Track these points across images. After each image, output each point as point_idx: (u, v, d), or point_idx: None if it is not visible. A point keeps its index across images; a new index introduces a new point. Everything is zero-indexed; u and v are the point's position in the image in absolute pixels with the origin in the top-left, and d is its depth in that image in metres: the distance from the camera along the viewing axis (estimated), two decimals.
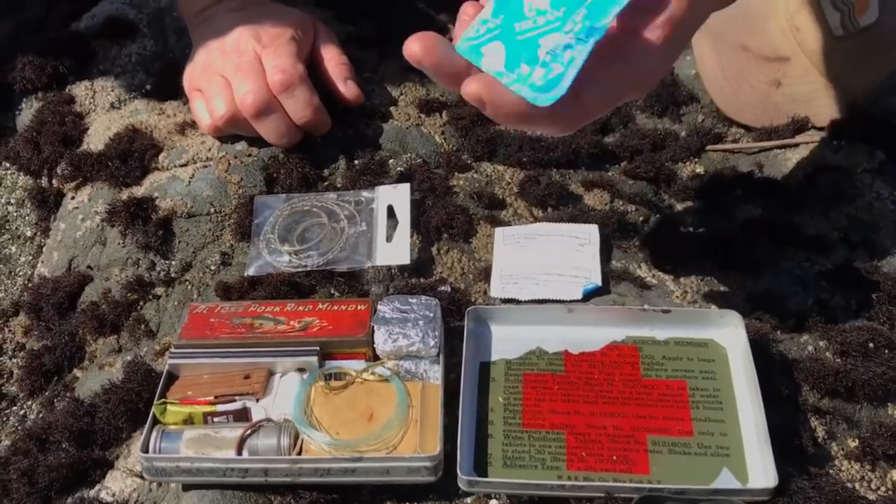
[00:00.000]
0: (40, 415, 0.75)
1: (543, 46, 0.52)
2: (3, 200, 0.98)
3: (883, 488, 0.64)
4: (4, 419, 0.80)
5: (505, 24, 0.53)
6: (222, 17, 0.88)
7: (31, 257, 0.93)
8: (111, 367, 0.74)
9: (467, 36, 0.53)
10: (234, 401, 0.61)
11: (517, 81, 0.51)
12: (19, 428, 0.78)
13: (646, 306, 0.68)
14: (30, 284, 0.85)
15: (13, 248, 0.94)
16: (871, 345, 0.71)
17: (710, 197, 0.85)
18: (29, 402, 0.80)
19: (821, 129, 0.92)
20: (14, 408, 0.81)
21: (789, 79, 0.93)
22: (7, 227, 0.96)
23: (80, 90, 0.97)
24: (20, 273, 0.92)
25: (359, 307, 0.67)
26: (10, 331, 0.87)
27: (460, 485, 0.58)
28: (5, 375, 0.84)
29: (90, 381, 0.73)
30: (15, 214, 0.96)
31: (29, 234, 0.94)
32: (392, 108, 0.90)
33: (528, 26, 0.53)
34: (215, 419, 0.61)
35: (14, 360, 0.84)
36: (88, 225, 0.83)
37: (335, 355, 0.65)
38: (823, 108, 0.92)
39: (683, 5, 0.56)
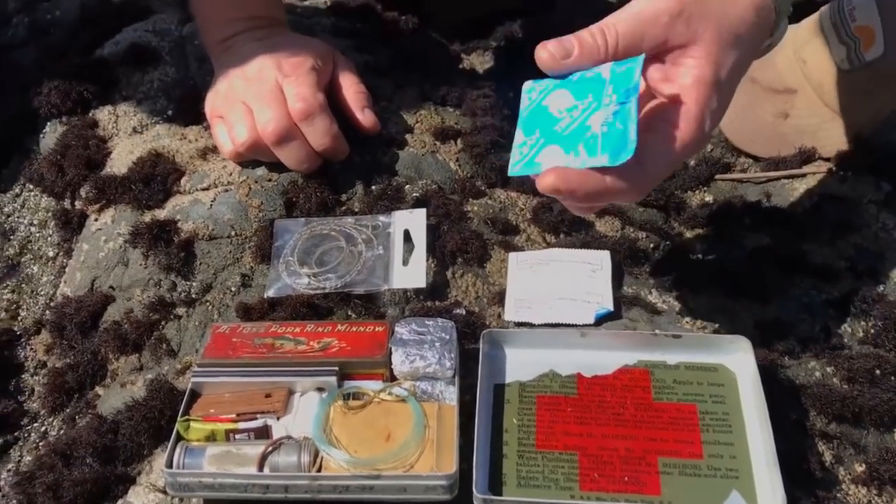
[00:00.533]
0: (62, 431, 0.76)
1: (594, 125, 0.57)
2: (26, 221, 1.00)
3: None
4: (26, 436, 0.82)
5: (544, 133, 0.59)
6: (244, 46, 0.90)
7: (52, 277, 0.94)
8: (133, 385, 0.76)
9: (514, 161, 0.59)
10: (256, 419, 0.63)
11: (590, 157, 0.56)
12: (40, 444, 0.80)
13: (657, 331, 0.70)
14: (52, 304, 0.87)
15: (35, 268, 0.96)
16: (877, 371, 0.72)
17: (718, 225, 0.87)
18: (50, 420, 0.82)
19: (827, 160, 0.94)
20: (35, 424, 0.83)
21: (797, 110, 0.96)
22: (29, 247, 0.98)
23: (103, 115, 1.00)
24: (42, 292, 0.94)
25: (376, 329, 0.69)
26: (31, 349, 0.89)
27: (475, 503, 0.60)
28: (27, 393, 0.85)
29: (112, 399, 0.75)
30: (37, 235, 0.98)
31: (51, 254, 0.96)
32: (408, 136, 0.92)
33: (566, 123, 0.59)
34: (237, 436, 0.63)
35: (36, 378, 0.86)
36: (111, 246, 0.85)
37: (353, 375, 0.67)
38: (830, 139, 0.94)
39: (708, 66, 0.60)
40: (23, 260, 0.97)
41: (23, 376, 0.86)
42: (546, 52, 0.61)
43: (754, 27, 0.63)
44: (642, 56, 0.60)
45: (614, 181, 0.58)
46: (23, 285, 0.95)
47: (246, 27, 0.91)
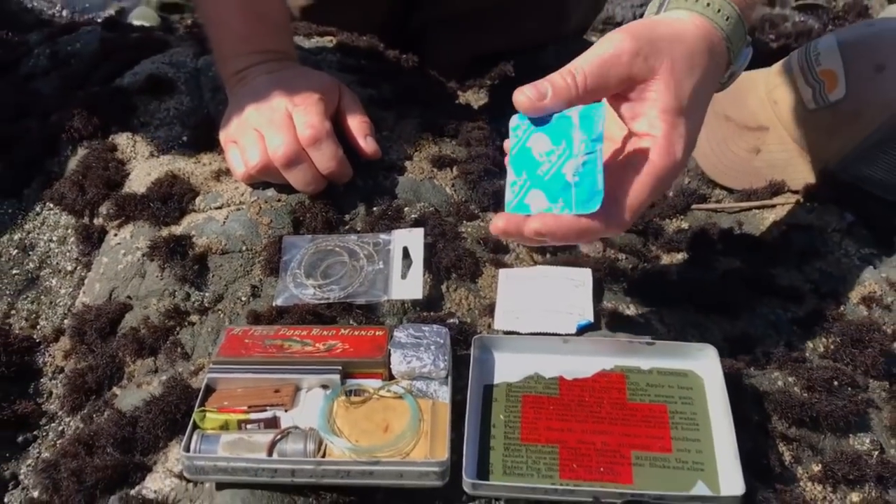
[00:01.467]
0: (80, 428, 0.82)
1: (567, 174, 0.66)
2: (45, 238, 1.05)
3: None
4: (44, 434, 0.87)
5: (530, 176, 0.68)
6: (257, 78, 0.97)
7: (71, 289, 1.00)
8: (148, 385, 0.81)
9: (509, 200, 0.69)
10: (265, 411, 0.69)
11: (565, 207, 0.66)
12: (58, 442, 0.85)
13: (632, 339, 0.77)
14: (73, 311, 0.93)
15: (54, 281, 1.02)
16: (835, 382, 0.79)
17: (693, 249, 0.94)
18: (67, 420, 0.87)
19: (796, 192, 1.02)
20: (52, 424, 0.88)
21: (768, 146, 1.03)
22: (48, 261, 1.04)
23: (122, 140, 1.06)
24: (60, 304, 1.00)
25: (377, 333, 0.75)
26: (50, 355, 0.94)
27: (465, 488, 0.66)
28: (45, 395, 0.91)
29: (129, 398, 0.80)
30: (56, 251, 1.04)
31: (69, 268, 1.02)
32: (407, 163, 0.99)
33: (546, 168, 0.68)
34: (248, 426, 0.69)
35: (53, 382, 0.92)
36: (129, 259, 0.92)
37: (355, 374, 0.73)
38: (798, 173, 1.02)
39: (668, 94, 0.68)
40: (41, 273, 1.03)
41: (41, 380, 0.92)
42: (524, 97, 0.69)
43: (707, 58, 0.71)
44: (604, 103, 0.67)
45: (590, 224, 0.66)
46: (42, 297, 1.01)
47: (259, 60, 0.98)
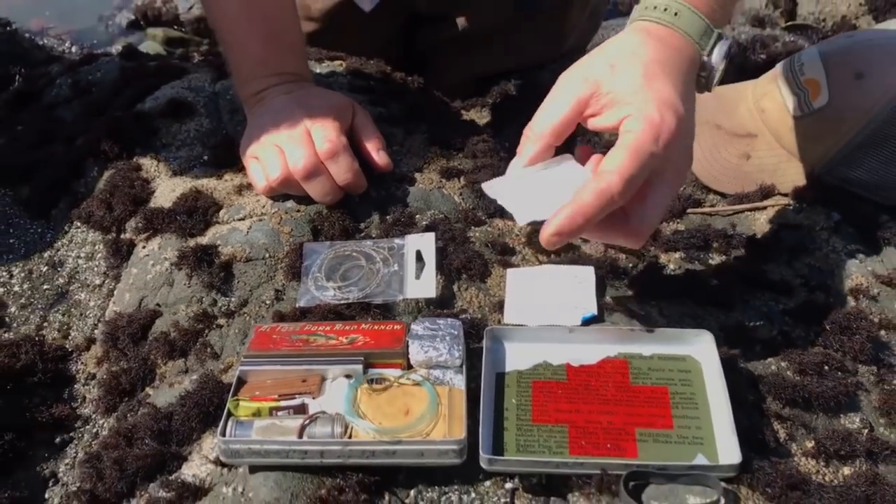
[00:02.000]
0: (118, 423, 0.87)
1: None
2: (73, 255, 1.11)
3: (835, 481, 0.76)
4: (80, 436, 0.92)
5: None
6: (275, 98, 1.04)
7: (100, 301, 1.06)
8: (180, 384, 0.87)
9: None
10: (294, 399, 0.75)
11: None
12: (93, 443, 0.91)
13: (633, 327, 0.82)
14: (106, 318, 0.98)
15: (83, 295, 1.07)
16: (825, 367, 0.84)
17: (689, 248, 0.99)
18: (102, 421, 0.92)
19: (785, 195, 1.07)
20: (87, 426, 0.93)
21: (757, 152, 1.09)
22: (77, 277, 1.09)
23: (146, 160, 1.13)
24: (90, 315, 1.05)
25: (395, 327, 0.81)
26: (83, 363, 0.99)
27: (481, 464, 0.71)
28: (79, 400, 0.96)
29: (162, 396, 0.86)
30: (84, 266, 1.10)
31: (97, 282, 1.07)
32: (417, 174, 1.05)
33: None
34: (279, 413, 0.74)
35: (87, 387, 0.97)
36: (158, 269, 0.97)
37: (376, 364, 0.78)
38: (787, 176, 1.08)
39: (621, 84, 0.75)
40: (71, 288, 1.08)
41: (75, 386, 0.97)
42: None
43: (652, 43, 0.78)
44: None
45: (591, 197, 0.72)
46: (72, 309, 1.06)
47: (277, 82, 1.05)
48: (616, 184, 0.71)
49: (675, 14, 0.80)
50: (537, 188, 0.78)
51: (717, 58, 0.81)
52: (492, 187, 0.78)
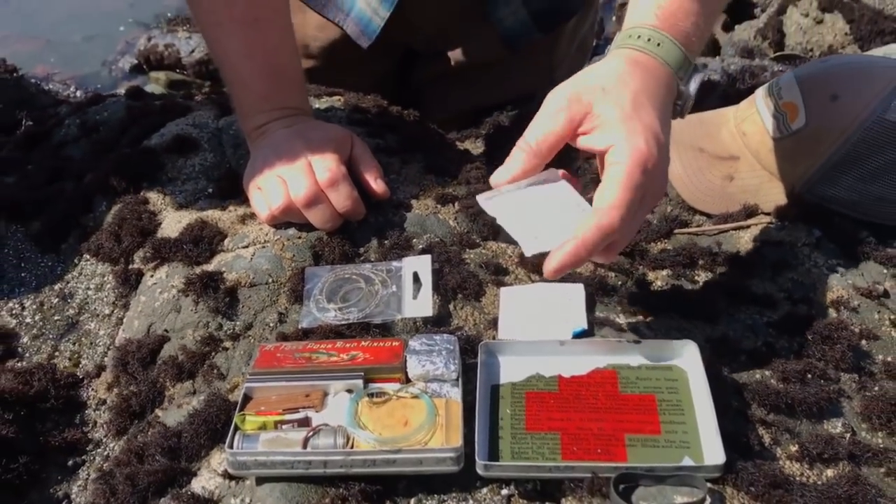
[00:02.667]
0: (129, 442, 0.90)
1: None
2: (83, 286, 1.15)
3: (819, 482, 0.79)
4: (92, 459, 0.96)
5: None
6: (277, 131, 1.09)
7: (109, 330, 1.09)
8: (188, 405, 0.90)
9: None
10: (298, 412, 0.78)
11: None
12: (104, 465, 0.94)
13: (621, 339, 0.86)
14: (116, 344, 1.02)
15: (93, 324, 1.11)
16: (808, 375, 0.88)
17: (676, 266, 1.03)
18: (112, 445, 0.96)
19: (768, 213, 1.11)
20: (98, 449, 0.96)
21: (740, 174, 1.14)
22: (86, 307, 1.13)
23: (152, 194, 1.17)
24: (100, 343, 1.08)
25: (393, 343, 0.85)
26: (93, 389, 1.03)
27: (478, 470, 0.74)
28: (90, 424, 0.99)
29: (171, 416, 0.89)
30: (94, 297, 1.14)
31: (107, 312, 1.11)
32: (413, 201, 1.09)
33: None
34: (284, 426, 0.77)
35: (97, 412, 1.00)
36: (165, 296, 1.01)
37: (376, 379, 0.82)
38: (769, 196, 1.12)
39: (611, 111, 0.80)
40: (81, 318, 1.12)
41: (86, 412, 1.00)
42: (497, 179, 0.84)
43: (638, 72, 0.83)
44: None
45: (586, 235, 0.77)
46: (82, 338, 1.10)
47: (278, 116, 1.10)
48: (616, 220, 0.77)
49: (658, 45, 0.85)
50: (535, 210, 0.83)
51: (693, 87, 0.87)
52: (489, 201, 0.83)
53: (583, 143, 0.82)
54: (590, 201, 0.80)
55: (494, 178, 0.84)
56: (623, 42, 0.87)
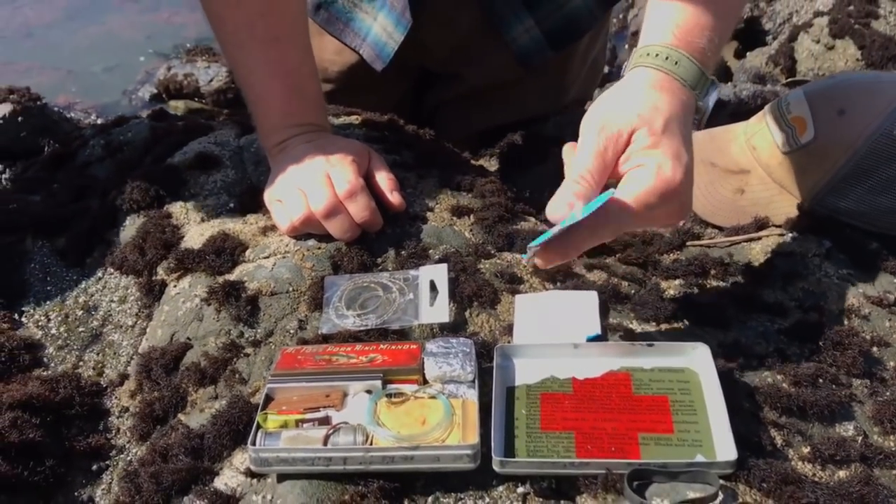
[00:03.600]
0: (154, 442, 0.92)
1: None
2: (107, 299, 1.18)
3: (831, 482, 0.80)
4: (115, 464, 0.98)
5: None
6: (297, 147, 1.12)
7: (132, 340, 1.12)
8: (210, 409, 0.92)
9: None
10: (319, 412, 0.80)
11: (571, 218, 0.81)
12: (128, 469, 0.96)
13: (634, 342, 0.87)
14: (140, 352, 1.04)
15: (116, 336, 1.14)
16: (820, 379, 0.89)
17: (688, 275, 1.05)
18: (135, 450, 0.98)
19: (779, 226, 1.13)
20: (122, 455, 0.99)
21: (751, 187, 1.16)
22: (110, 319, 1.16)
23: (175, 208, 1.20)
24: (123, 353, 1.11)
25: (411, 346, 0.87)
26: (116, 397, 1.05)
27: (494, 466, 0.75)
28: (113, 431, 1.02)
29: (194, 420, 0.91)
30: (118, 310, 1.16)
31: (130, 323, 1.14)
32: (429, 213, 1.12)
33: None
34: (304, 424, 0.79)
35: (121, 419, 1.03)
36: (188, 305, 1.04)
37: (394, 381, 0.84)
38: (780, 208, 1.14)
39: (647, 138, 0.84)
40: (104, 330, 1.14)
41: (110, 419, 1.02)
42: (555, 213, 0.83)
43: (667, 97, 0.87)
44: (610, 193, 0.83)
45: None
46: (106, 349, 1.12)
47: (298, 132, 1.13)
48: (611, 233, 0.84)
49: (676, 63, 0.88)
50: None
51: (710, 102, 0.90)
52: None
53: (620, 168, 0.86)
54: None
55: (552, 210, 0.84)
56: (642, 60, 0.90)
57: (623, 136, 0.85)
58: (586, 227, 0.82)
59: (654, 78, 0.88)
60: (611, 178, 0.86)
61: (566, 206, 0.82)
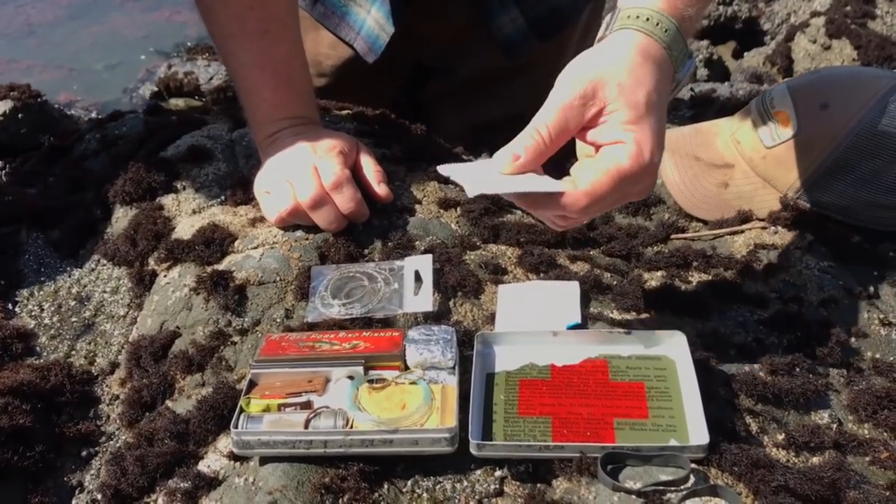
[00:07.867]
0: (141, 427, 0.94)
1: None
2: (99, 290, 1.19)
3: (803, 468, 0.81)
4: (104, 450, 0.99)
5: None
6: (286, 139, 1.13)
7: (123, 330, 1.13)
8: (197, 396, 0.94)
9: None
10: (301, 396, 0.82)
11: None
12: (114, 453, 0.97)
13: (612, 330, 0.89)
14: (130, 340, 1.06)
15: (108, 325, 1.15)
16: (797, 368, 0.90)
17: (670, 267, 1.06)
18: (124, 437, 0.99)
19: (762, 219, 1.15)
20: (111, 441, 1.00)
21: (734, 181, 1.17)
22: (102, 309, 1.17)
23: (167, 200, 1.22)
24: (114, 342, 1.13)
25: (393, 334, 0.88)
26: (107, 385, 1.07)
27: (471, 450, 0.77)
28: (103, 418, 1.03)
29: (180, 407, 0.93)
30: (110, 300, 1.18)
31: (122, 313, 1.15)
32: (417, 206, 1.13)
33: None
34: (287, 409, 0.81)
35: (111, 407, 1.04)
36: (178, 295, 1.05)
37: (376, 367, 0.85)
38: (763, 202, 1.15)
39: (628, 111, 0.81)
40: (97, 320, 1.16)
41: (100, 406, 1.04)
42: (502, 162, 0.81)
43: (651, 67, 0.83)
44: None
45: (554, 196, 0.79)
46: (98, 339, 1.14)
47: (288, 125, 1.14)
48: (582, 204, 0.79)
49: (665, 30, 0.84)
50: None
51: (684, 73, 0.88)
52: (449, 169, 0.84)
53: (589, 136, 0.83)
54: None
55: (500, 161, 0.82)
56: (630, 23, 0.85)
57: (598, 100, 0.81)
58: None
59: (642, 43, 0.83)
60: (585, 147, 0.84)
61: (512, 156, 0.81)
